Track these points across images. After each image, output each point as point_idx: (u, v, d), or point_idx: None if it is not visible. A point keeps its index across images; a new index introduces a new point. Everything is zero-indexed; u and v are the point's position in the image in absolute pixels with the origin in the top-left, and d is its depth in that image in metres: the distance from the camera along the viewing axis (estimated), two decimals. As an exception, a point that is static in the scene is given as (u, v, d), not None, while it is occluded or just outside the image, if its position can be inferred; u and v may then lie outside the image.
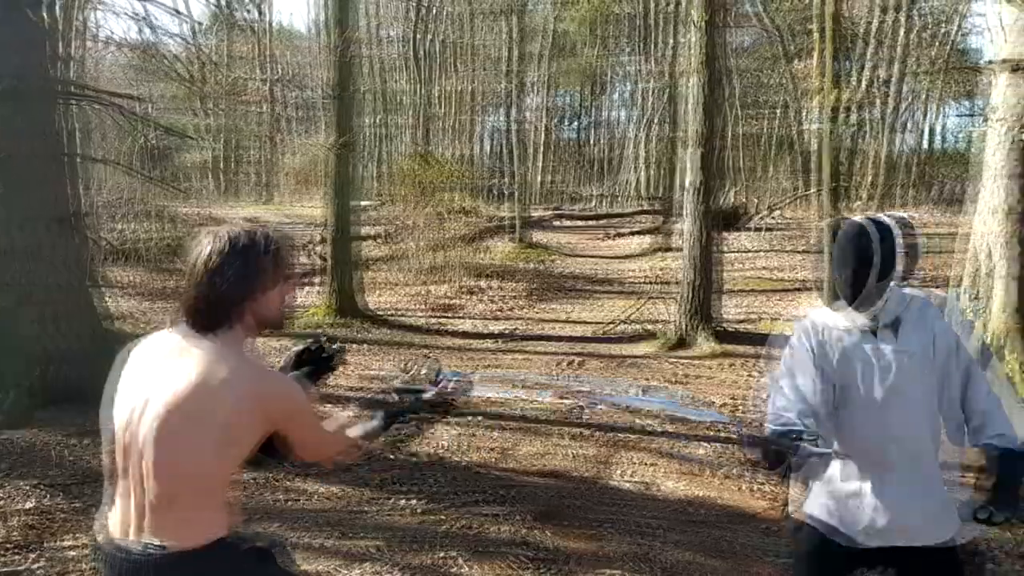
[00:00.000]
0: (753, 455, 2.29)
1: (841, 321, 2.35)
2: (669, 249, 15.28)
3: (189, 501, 1.80)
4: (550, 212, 22.36)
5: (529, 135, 33.60)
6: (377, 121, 34.40)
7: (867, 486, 2.30)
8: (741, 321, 9.50)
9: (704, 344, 8.36)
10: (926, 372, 2.31)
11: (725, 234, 16.11)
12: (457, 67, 29.99)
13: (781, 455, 2.19)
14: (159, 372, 1.81)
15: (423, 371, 2.31)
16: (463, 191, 28.42)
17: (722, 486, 4.93)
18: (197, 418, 1.75)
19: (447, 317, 10.57)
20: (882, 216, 2.45)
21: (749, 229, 16.14)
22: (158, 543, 1.77)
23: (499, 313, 10.78)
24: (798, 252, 14.46)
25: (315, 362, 2.23)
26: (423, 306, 11.15)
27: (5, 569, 3.64)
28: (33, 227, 5.71)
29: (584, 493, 4.83)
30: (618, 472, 5.19)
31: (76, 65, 12.79)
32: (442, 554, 3.97)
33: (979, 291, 6.64)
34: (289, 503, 4.51)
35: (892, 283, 2.29)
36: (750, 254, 14.77)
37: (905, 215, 2.62)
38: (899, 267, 2.31)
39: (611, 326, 9.73)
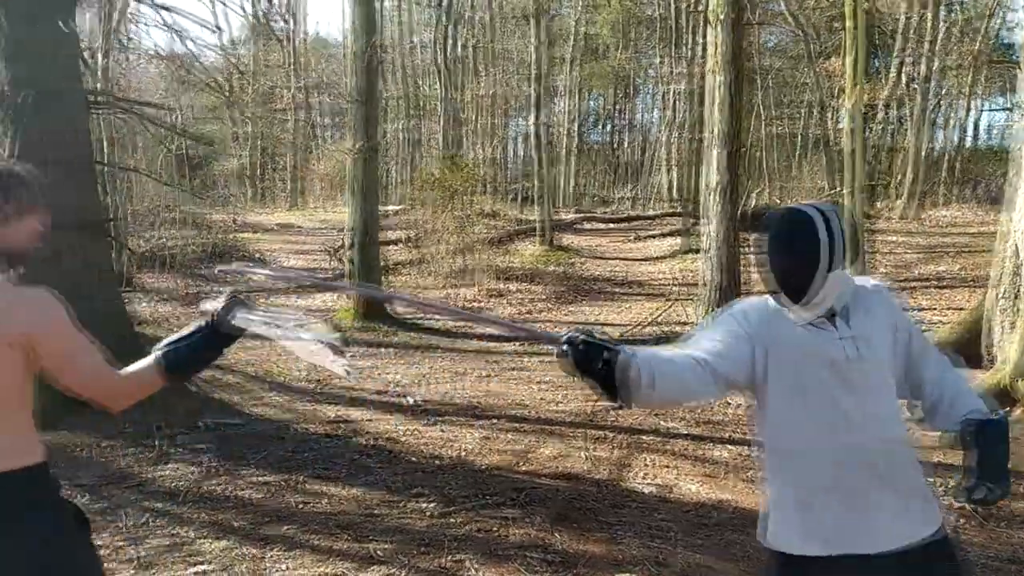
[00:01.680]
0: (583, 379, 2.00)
1: (796, 312, 2.12)
2: (695, 251, 15.17)
3: None
4: (578, 215, 22.32)
5: (559, 139, 33.69)
6: (406, 126, 34.64)
7: (833, 494, 2.10)
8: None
9: (728, 346, 8.26)
10: (884, 359, 2.16)
11: (752, 235, 16.02)
12: (485, 71, 30.12)
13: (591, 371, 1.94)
14: None
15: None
16: (490, 195, 28.50)
17: (739, 489, 4.89)
18: None
19: (470, 320, 10.60)
20: (816, 204, 2.23)
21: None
22: None
23: (519, 316, 10.77)
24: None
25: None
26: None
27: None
28: (63, 233, 5.77)
29: (601, 496, 4.79)
30: (636, 474, 5.16)
31: (107, 75, 13.02)
32: (454, 557, 3.95)
33: (1005, 289, 6.51)
34: (302, 506, 4.53)
35: (838, 271, 2.08)
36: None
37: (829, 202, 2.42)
38: (843, 254, 2.12)
39: (636, 328, 9.68)
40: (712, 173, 7.89)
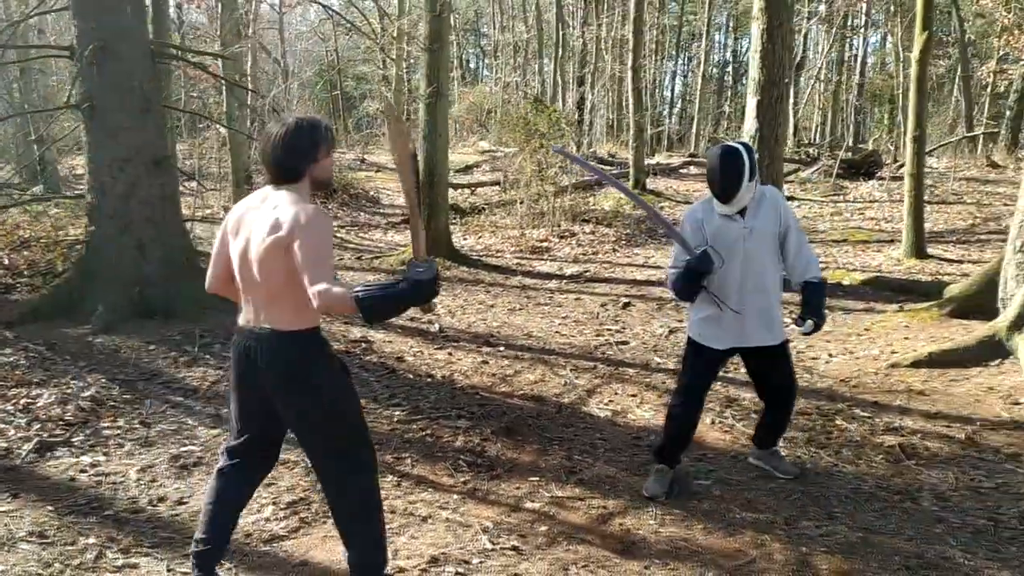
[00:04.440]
0: (677, 289, 3.86)
1: (719, 208, 3.76)
2: (792, 198, 14.93)
3: (278, 301, 2.71)
4: (686, 159, 22.09)
5: (693, 79, 32.75)
6: (538, 68, 34.82)
7: (727, 312, 3.78)
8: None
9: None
10: (768, 238, 3.77)
11: (849, 183, 15.55)
12: (607, 13, 29.81)
13: (696, 281, 3.74)
14: (257, 215, 2.72)
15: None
16: (609, 138, 28.45)
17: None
18: (275, 241, 2.61)
19: (532, 258, 11.06)
20: (739, 141, 3.85)
21: (879, 178, 15.40)
22: (269, 326, 2.73)
23: (581, 256, 11.13)
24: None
25: None
26: (515, 248, 11.70)
27: (49, 439, 4.59)
28: (130, 169, 6.67)
29: (554, 416, 5.26)
30: (600, 400, 5.59)
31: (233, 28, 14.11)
32: (398, 455, 4.56)
33: (1023, 243, 6.37)
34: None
35: (750, 183, 3.65)
36: (866, 204, 14.18)
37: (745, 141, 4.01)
38: (755, 173, 3.70)
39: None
40: (747, 121, 7.95)
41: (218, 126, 12.12)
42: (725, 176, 3.63)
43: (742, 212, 3.75)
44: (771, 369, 4.04)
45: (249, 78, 20.19)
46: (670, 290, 3.97)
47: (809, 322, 3.82)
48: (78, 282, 6.73)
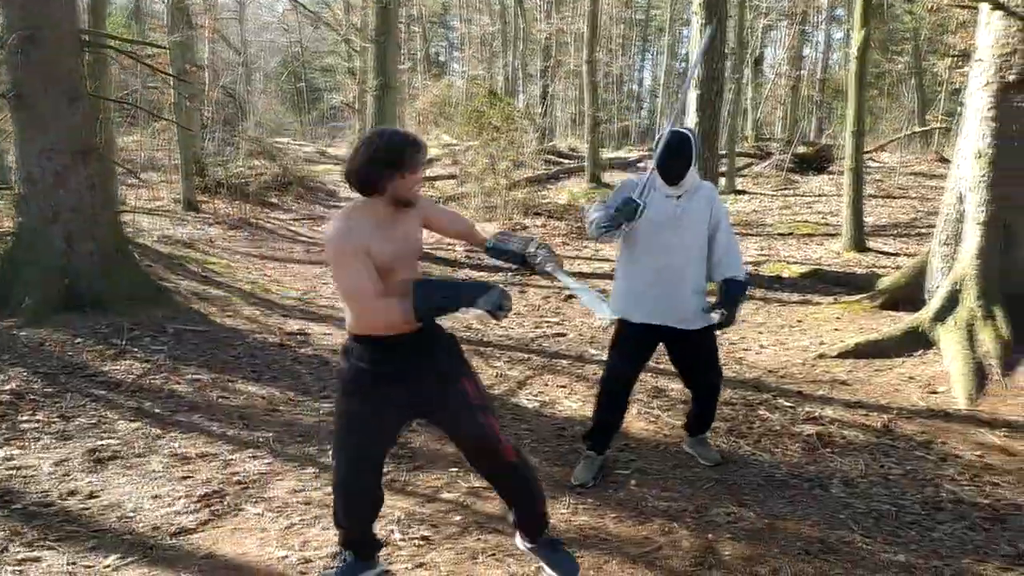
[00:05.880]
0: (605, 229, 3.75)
1: (662, 187, 3.86)
2: (739, 192, 15.09)
3: None
4: (644, 153, 22.23)
5: (658, 75, 32.87)
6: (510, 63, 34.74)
7: (653, 287, 3.92)
8: (747, 263, 9.50)
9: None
10: (698, 225, 3.89)
11: (800, 177, 15.74)
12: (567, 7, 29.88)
13: (627, 215, 3.68)
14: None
15: (518, 242, 3.29)
16: (571, 132, 28.50)
17: (610, 408, 5.26)
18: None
19: (481, 252, 11.05)
20: (685, 127, 3.97)
21: (830, 172, 15.61)
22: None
23: (532, 249, 11.16)
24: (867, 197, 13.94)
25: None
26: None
27: (-36, 432, 4.52)
28: (58, 158, 6.55)
29: (482, 407, 5.27)
30: (529, 391, 5.61)
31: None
32: (321, 447, 4.54)
33: (948, 236, 6.50)
34: (220, 400, 5.20)
35: (694, 169, 3.86)
36: (815, 198, 14.36)
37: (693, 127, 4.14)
38: (700, 158, 3.90)
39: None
40: (688, 115, 8.03)
41: (161, 118, 11.92)
42: (678, 160, 3.79)
43: (682, 196, 3.89)
44: (694, 359, 4.15)
45: (207, 68, 20.00)
46: (591, 226, 3.92)
47: (717, 312, 3.86)
48: (6, 274, 6.60)
